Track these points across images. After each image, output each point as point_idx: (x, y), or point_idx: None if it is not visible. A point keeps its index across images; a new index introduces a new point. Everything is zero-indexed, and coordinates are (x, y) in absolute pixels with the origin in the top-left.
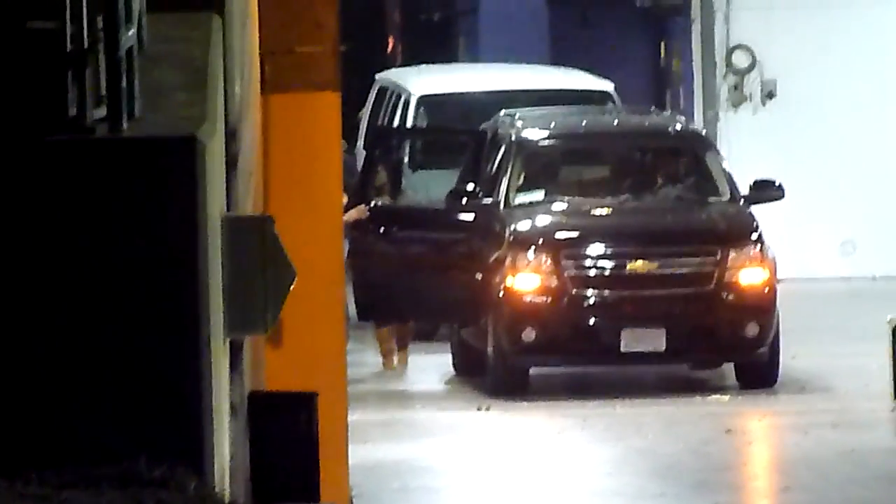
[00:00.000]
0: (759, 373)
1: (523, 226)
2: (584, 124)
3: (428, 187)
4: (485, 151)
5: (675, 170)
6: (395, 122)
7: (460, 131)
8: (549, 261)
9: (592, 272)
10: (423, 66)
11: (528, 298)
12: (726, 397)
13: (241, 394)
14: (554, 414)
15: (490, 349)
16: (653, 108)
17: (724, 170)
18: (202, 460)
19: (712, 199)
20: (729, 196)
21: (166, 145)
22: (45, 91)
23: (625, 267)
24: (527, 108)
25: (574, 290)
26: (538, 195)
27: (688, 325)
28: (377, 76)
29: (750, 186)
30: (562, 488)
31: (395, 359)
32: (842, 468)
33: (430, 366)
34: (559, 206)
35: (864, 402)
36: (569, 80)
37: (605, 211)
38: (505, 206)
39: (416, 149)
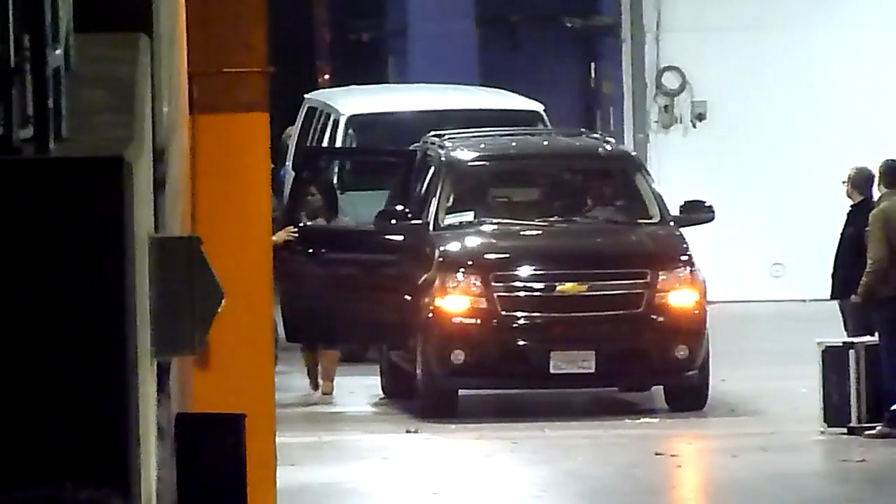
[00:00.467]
0: (689, 395)
1: (452, 247)
2: (513, 146)
3: (357, 208)
4: (414, 172)
5: (605, 191)
6: (325, 143)
7: (389, 152)
8: (479, 282)
9: (522, 294)
10: (353, 86)
11: (457, 320)
12: (655, 420)
13: (168, 416)
14: (483, 436)
15: (419, 371)
16: (583, 129)
17: (654, 191)
18: (128, 483)
19: (642, 220)
20: (659, 218)
21: (93, 166)
22: None
23: (554, 289)
24: (456, 129)
25: (503, 312)
26: (467, 216)
27: (617, 347)
28: (306, 96)
29: (680, 208)
30: None
31: (321, 380)
32: (771, 491)
33: (359, 388)
34: (488, 227)
35: (794, 425)
36: (498, 101)
37: (534, 233)
38: (434, 227)
39: (345, 169)
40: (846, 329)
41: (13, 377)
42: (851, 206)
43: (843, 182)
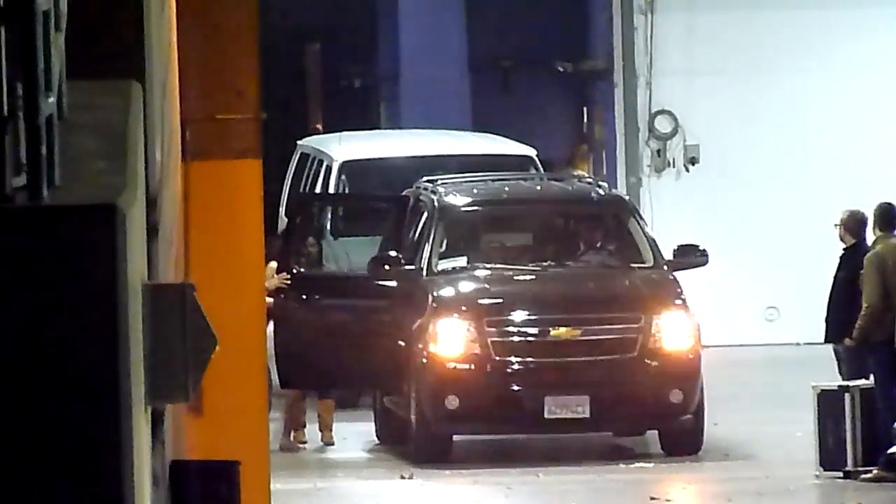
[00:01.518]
0: (684, 440)
1: (446, 292)
2: (506, 191)
3: (350, 254)
4: (407, 218)
5: (598, 236)
6: (317, 189)
7: (382, 198)
8: (472, 327)
9: (515, 339)
10: (345, 132)
11: (450, 365)
12: (650, 464)
13: (162, 463)
14: (477, 481)
15: (413, 417)
16: (575, 174)
17: (647, 236)
18: None
19: (636, 265)
20: (652, 262)
21: (86, 213)
22: None
23: (548, 334)
24: (448, 175)
25: (497, 357)
26: (461, 262)
27: (611, 392)
28: (299, 143)
29: (673, 252)
30: None
31: (302, 434)
32: None
33: (353, 434)
34: (482, 272)
35: (789, 469)
36: (490, 146)
37: (527, 277)
38: (427, 272)
39: (337, 216)
40: (840, 372)
41: (4, 428)
42: (844, 250)
43: (836, 225)
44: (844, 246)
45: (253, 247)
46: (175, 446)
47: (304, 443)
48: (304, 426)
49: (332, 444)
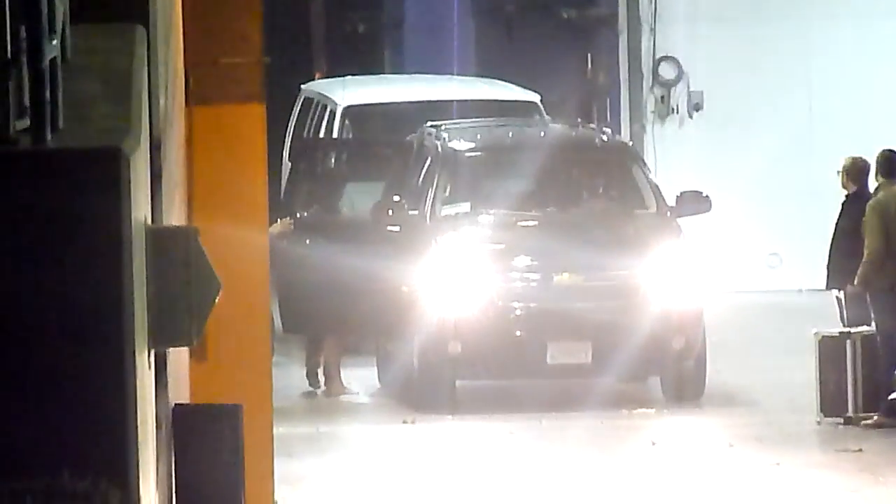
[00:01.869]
0: (686, 386)
1: (450, 238)
2: (510, 136)
3: (353, 199)
4: (411, 163)
5: (601, 182)
6: (321, 134)
7: (386, 143)
8: (475, 273)
9: (518, 284)
10: (349, 77)
11: (453, 311)
12: (652, 410)
13: (165, 407)
14: (480, 427)
15: (416, 362)
16: (579, 120)
17: (650, 182)
18: (126, 474)
19: (639, 211)
20: (655, 208)
21: (91, 157)
22: None
23: (551, 279)
24: (453, 120)
25: (500, 303)
26: (464, 207)
27: (614, 338)
28: (302, 87)
29: (676, 198)
30: (487, 501)
31: (322, 379)
32: (767, 481)
33: (356, 378)
34: (485, 218)
35: (790, 415)
36: (495, 92)
37: (531, 223)
38: (431, 218)
39: (341, 161)
40: (842, 319)
41: (10, 369)
42: (846, 197)
43: (838, 172)
44: (846, 193)
45: (256, 191)
46: (178, 390)
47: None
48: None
49: (344, 389)
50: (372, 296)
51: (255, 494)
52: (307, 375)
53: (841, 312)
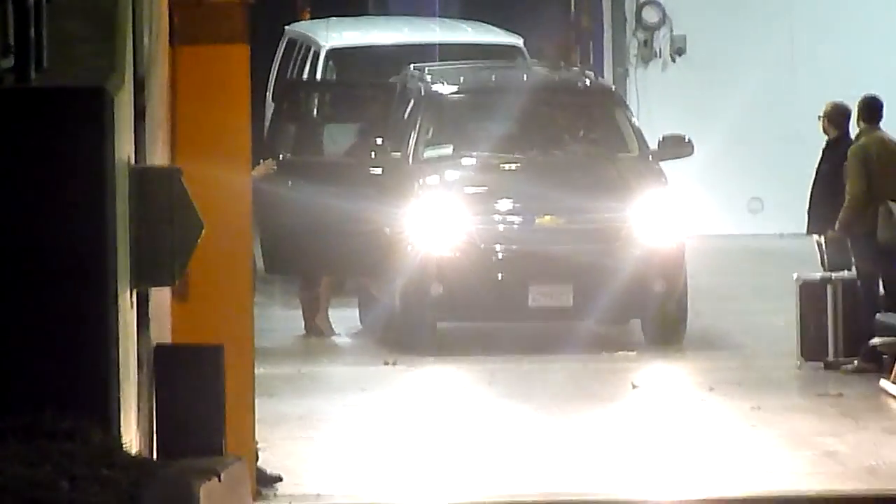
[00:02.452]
0: (666, 329)
1: (432, 180)
2: (493, 79)
3: (336, 141)
4: (394, 105)
5: (584, 125)
6: (305, 76)
7: (369, 85)
8: (457, 216)
9: (500, 227)
10: (333, 18)
11: (435, 253)
12: (633, 353)
13: (147, 346)
14: (461, 369)
15: (397, 303)
16: (562, 63)
17: (633, 126)
18: (108, 413)
19: (621, 154)
20: (638, 152)
21: (74, 95)
22: None
23: (532, 222)
24: (436, 63)
25: (482, 246)
26: (447, 150)
27: (595, 281)
28: (286, 28)
29: (659, 142)
30: (467, 441)
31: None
32: (747, 425)
33: (337, 319)
34: (468, 160)
35: (771, 359)
36: (478, 35)
37: (513, 166)
38: (413, 160)
39: (324, 102)
40: (822, 264)
41: None
42: (827, 142)
43: (819, 117)
44: (827, 139)
45: (240, 131)
46: (160, 330)
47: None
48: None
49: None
50: (354, 237)
51: (236, 434)
52: (306, 328)
53: (822, 257)
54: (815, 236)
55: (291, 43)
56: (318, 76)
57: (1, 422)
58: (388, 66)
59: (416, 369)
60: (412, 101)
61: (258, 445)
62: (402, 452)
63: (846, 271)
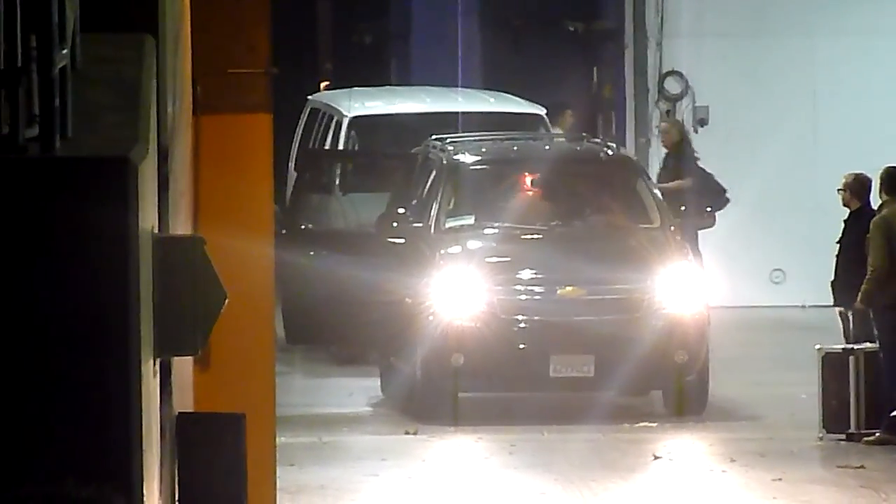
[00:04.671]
0: (688, 400)
1: (453, 250)
2: (515, 149)
3: (358, 211)
4: (416, 175)
5: (605, 196)
6: (327, 145)
7: (392, 155)
8: (479, 285)
9: (522, 297)
10: (356, 88)
11: (457, 323)
12: (654, 424)
13: (170, 415)
14: (482, 439)
15: (419, 373)
16: (584, 134)
17: (655, 197)
18: (130, 481)
19: (643, 225)
20: (660, 223)
21: (99, 166)
22: None
23: (554, 292)
24: (458, 133)
25: (503, 316)
26: (469, 220)
27: (616, 351)
28: (309, 98)
29: (681, 213)
30: None
31: None
32: (769, 497)
33: (358, 389)
34: (489, 231)
35: (792, 431)
36: (501, 105)
37: (535, 236)
38: (435, 230)
39: (347, 171)
40: (846, 336)
41: (17, 375)
42: (849, 214)
43: (839, 190)
44: (849, 210)
45: (262, 201)
46: (182, 398)
47: None
48: None
49: None
50: (376, 307)
51: (257, 503)
52: None
53: (845, 329)
54: (839, 308)
55: (314, 112)
56: (341, 146)
57: (22, 490)
58: (410, 135)
59: (437, 439)
60: (434, 172)
61: None
62: None
63: (869, 343)
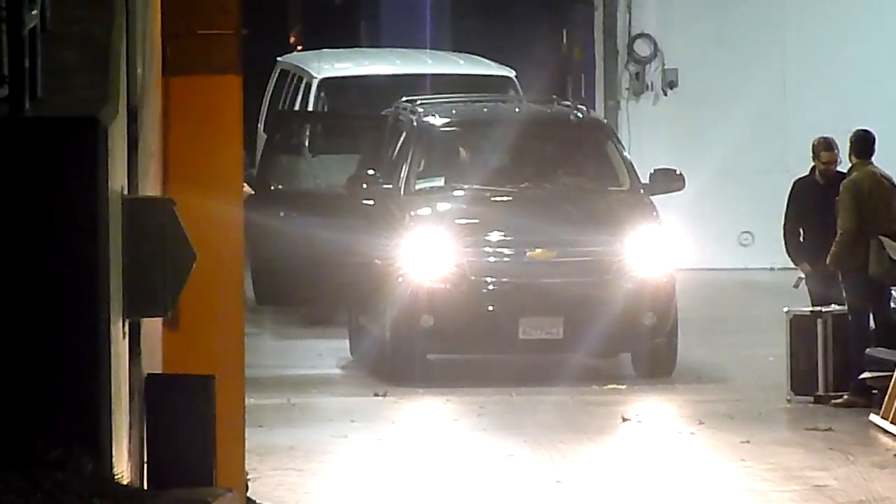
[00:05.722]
0: (657, 362)
1: (423, 212)
2: (484, 112)
3: (328, 172)
4: (385, 137)
5: (575, 159)
6: (297, 106)
7: (361, 116)
8: (448, 247)
9: (491, 259)
10: (325, 50)
11: (426, 285)
12: (623, 386)
13: (138, 376)
14: (451, 401)
15: (388, 335)
16: (554, 96)
17: (624, 159)
18: (100, 442)
19: (612, 188)
20: (629, 185)
21: (68, 126)
22: None
23: (524, 255)
24: (428, 95)
25: (473, 277)
26: (438, 182)
27: (585, 313)
28: (279, 59)
29: (650, 175)
30: (457, 474)
31: None
32: (737, 459)
33: (327, 350)
34: (459, 192)
35: (760, 393)
36: (470, 67)
37: (504, 199)
38: (405, 192)
39: (316, 133)
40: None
41: None
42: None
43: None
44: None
45: (232, 162)
46: (150, 360)
47: None
48: None
49: None
50: (345, 269)
51: (226, 464)
52: None
53: (810, 292)
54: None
55: (284, 74)
56: (310, 107)
57: None
58: (379, 97)
59: (406, 401)
60: (404, 134)
61: (248, 476)
62: (391, 485)
63: (835, 305)
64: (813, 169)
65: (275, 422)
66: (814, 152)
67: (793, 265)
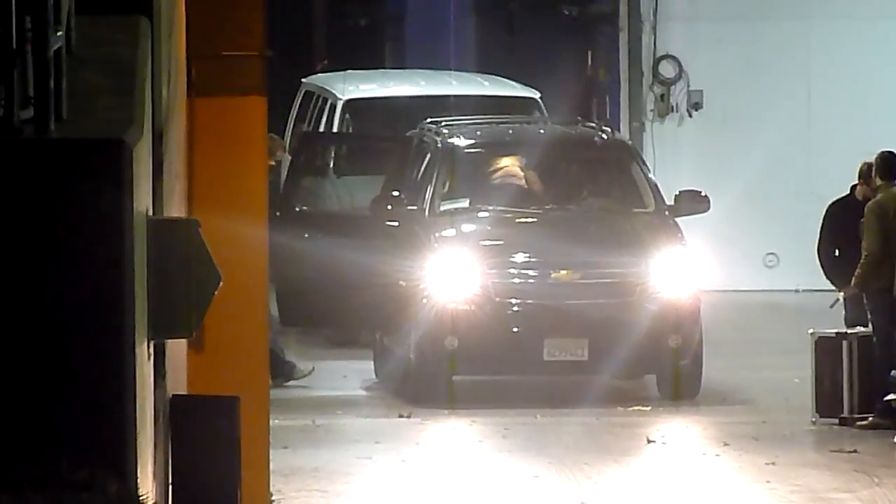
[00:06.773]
0: (682, 384)
1: (448, 233)
2: (509, 133)
3: (353, 193)
4: (410, 158)
5: (600, 180)
6: (322, 128)
7: (386, 137)
8: (473, 269)
9: (516, 281)
10: (350, 71)
11: (451, 306)
12: (648, 408)
13: (163, 397)
14: (475, 422)
15: (412, 356)
16: (579, 117)
17: (649, 181)
18: (124, 463)
19: (637, 209)
20: (654, 207)
21: (93, 148)
22: None
23: (548, 276)
24: (453, 116)
25: (497, 299)
26: (463, 203)
27: (610, 335)
28: (303, 81)
29: (675, 197)
30: (482, 496)
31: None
32: (762, 481)
33: (352, 372)
34: (484, 214)
35: (785, 415)
36: (495, 88)
37: (529, 220)
38: (430, 213)
39: (341, 154)
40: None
41: (11, 358)
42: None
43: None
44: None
45: (256, 184)
46: (175, 381)
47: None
48: None
49: None
50: (370, 290)
51: (251, 485)
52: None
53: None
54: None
55: (308, 95)
56: (335, 128)
57: (17, 472)
58: (404, 118)
59: (431, 422)
60: (429, 155)
61: (272, 498)
62: None
63: (862, 327)
64: (853, 188)
65: (299, 443)
66: (862, 175)
67: (824, 287)
